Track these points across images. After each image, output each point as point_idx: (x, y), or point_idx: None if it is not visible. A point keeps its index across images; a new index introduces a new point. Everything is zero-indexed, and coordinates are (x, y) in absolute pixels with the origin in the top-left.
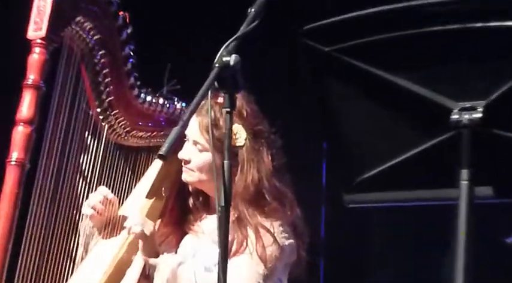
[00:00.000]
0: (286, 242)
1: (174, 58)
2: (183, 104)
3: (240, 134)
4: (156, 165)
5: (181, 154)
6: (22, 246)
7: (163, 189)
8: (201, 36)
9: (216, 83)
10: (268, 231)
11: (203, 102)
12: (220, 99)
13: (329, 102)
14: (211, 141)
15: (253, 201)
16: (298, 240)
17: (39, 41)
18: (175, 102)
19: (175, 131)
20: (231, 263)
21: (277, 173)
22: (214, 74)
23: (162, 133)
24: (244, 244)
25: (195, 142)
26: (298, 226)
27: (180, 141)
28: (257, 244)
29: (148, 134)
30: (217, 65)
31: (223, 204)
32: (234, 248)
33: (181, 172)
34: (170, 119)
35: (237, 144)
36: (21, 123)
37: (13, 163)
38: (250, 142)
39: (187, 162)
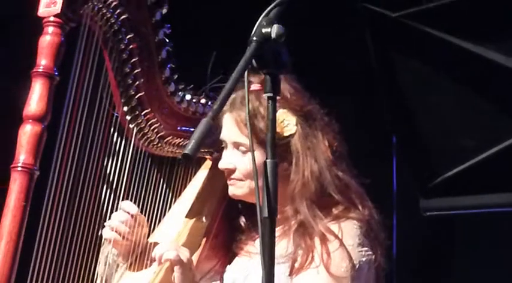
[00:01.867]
0: (364, 258)
1: (221, 46)
2: None
3: (289, 120)
4: (198, 179)
5: (222, 164)
6: (30, 273)
7: (206, 208)
8: (254, 19)
9: (254, 62)
10: (337, 237)
11: (233, 96)
12: (254, 86)
13: (399, 83)
14: (250, 136)
15: (316, 201)
16: (375, 248)
17: (52, 19)
18: None
19: (202, 124)
20: (295, 282)
21: (339, 162)
22: (252, 49)
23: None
24: (310, 257)
25: (236, 145)
26: (375, 228)
27: (211, 137)
28: (326, 257)
29: (187, 141)
30: (255, 39)
31: (266, 216)
32: (298, 263)
33: (227, 186)
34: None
35: (287, 133)
36: (30, 120)
37: (19, 169)
38: (302, 128)
39: (232, 171)
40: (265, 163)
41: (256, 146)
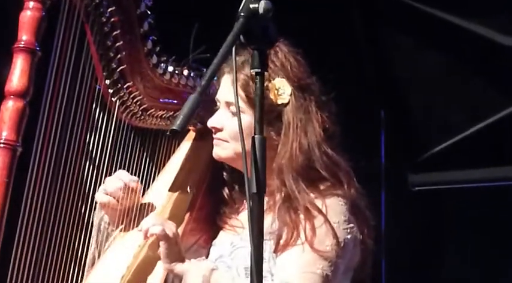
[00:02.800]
0: (349, 235)
1: (203, 17)
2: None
3: (284, 89)
4: (181, 151)
5: (211, 122)
6: (14, 247)
7: (190, 181)
8: None
9: (241, 37)
10: (321, 213)
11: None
12: None
13: (387, 58)
14: (237, 103)
15: (303, 174)
16: (362, 227)
17: None
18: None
19: (191, 99)
20: (280, 260)
21: (330, 140)
22: (240, 25)
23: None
24: (295, 234)
25: (228, 104)
26: (361, 208)
27: (203, 115)
28: (310, 234)
29: (171, 113)
30: (242, 14)
31: (254, 191)
32: (283, 239)
33: (212, 159)
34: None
35: (280, 101)
36: (11, 96)
37: (1, 145)
38: (296, 99)
39: (219, 130)
40: (253, 138)
41: (248, 109)
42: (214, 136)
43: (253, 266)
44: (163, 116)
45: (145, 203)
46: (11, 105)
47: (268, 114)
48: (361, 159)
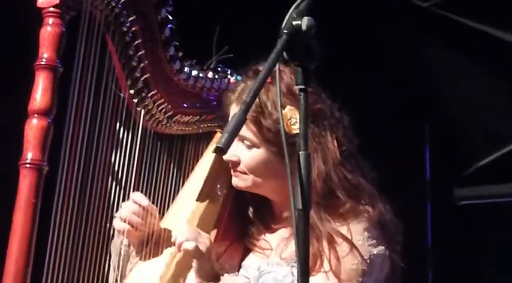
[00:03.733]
0: (375, 251)
1: (225, 19)
2: (239, 78)
3: (296, 118)
4: (208, 158)
5: (227, 156)
6: (45, 268)
7: (218, 188)
8: None
9: (285, 54)
10: (346, 239)
11: (242, 85)
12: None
13: (431, 73)
14: (282, 127)
15: (323, 202)
16: (388, 243)
17: (52, 9)
18: (229, 76)
19: (236, 116)
20: None
21: (348, 161)
22: (283, 42)
23: (213, 116)
24: (319, 262)
25: (241, 138)
26: (386, 225)
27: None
28: (335, 263)
29: (196, 117)
30: (285, 31)
31: (300, 207)
32: None
33: None
34: (222, 96)
35: (293, 132)
36: (35, 115)
37: (28, 166)
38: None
39: (237, 163)
40: (298, 155)
41: (260, 143)
42: (232, 168)
43: (300, 280)
44: (189, 121)
45: (168, 217)
46: (35, 124)
47: (286, 147)
48: (406, 174)
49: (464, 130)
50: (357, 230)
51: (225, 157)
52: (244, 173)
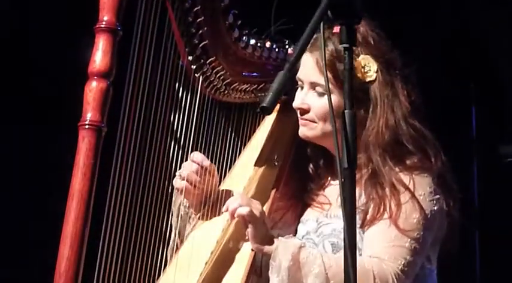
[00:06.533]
0: (436, 206)
1: None
2: None
3: (370, 67)
4: (266, 124)
5: (297, 103)
6: (103, 230)
7: (276, 154)
8: None
9: (329, 12)
10: (408, 189)
11: (315, 36)
12: (336, 29)
13: (476, 32)
14: (326, 80)
15: (390, 150)
16: (448, 199)
17: None
18: (286, 45)
19: (280, 76)
20: (367, 236)
21: (416, 113)
22: (326, 1)
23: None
24: (382, 208)
25: (313, 85)
26: (447, 180)
27: (288, 88)
28: (395, 210)
29: (254, 86)
30: None
31: (346, 166)
32: (369, 215)
33: (297, 131)
34: (280, 66)
35: (367, 79)
36: (95, 77)
37: (87, 127)
38: (382, 76)
39: (306, 111)
40: (343, 113)
41: (335, 88)
42: (300, 117)
43: (347, 239)
44: (247, 90)
45: (226, 184)
46: (95, 86)
47: (355, 92)
48: (452, 132)
49: (510, 88)
50: (420, 183)
51: (295, 104)
52: (313, 121)
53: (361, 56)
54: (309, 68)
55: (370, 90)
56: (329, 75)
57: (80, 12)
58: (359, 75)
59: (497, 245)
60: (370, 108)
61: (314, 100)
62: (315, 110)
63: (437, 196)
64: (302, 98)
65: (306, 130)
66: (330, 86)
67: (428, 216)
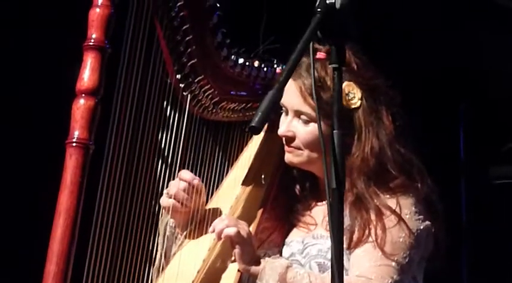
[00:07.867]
0: (421, 226)
1: (272, 8)
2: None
3: (354, 94)
4: (254, 143)
5: (282, 131)
6: (89, 248)
7: (263, 173)
8: None
9: (318, 33)
10: (394, 212)
11: (303, 59)
12: (319, 55)
13: (467, 50)
14: (316, 107)
15: (374, 176)
16: (435, 221)
17: None
18: (275, 65)
19: (270, 96)
20: (353, 256)
21: (400, 137)
22: (316, 21)
23: (259, 104)
24: (367, 231)
25: (298, 113)
26: (433, 202)
27: (276, 109)
28: (380, 234)
29: (242, 105)
30: (319, 10)
31: (334, 186)
32: (355, 236)
33: (284, 151)
34: (268, 85)
35: (352, 107)
36: (83, 95)
37: (74, 145)
38: (367, 103)
39: (291, 139)
40: (332, 134)
41: (317, 117)
42: (286, 144)
43: (334, 260)
44: (235, 109)
45: (213, 203)
46: (82, 104)
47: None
48: (440, 153)
49: (500, 108)
50: (405, 204)
51: (280, 132)
52: (299, 149)
53: (345, 83)
54: (293, 95)
55: (355, 117)
56: (313, 104)
57: (69, 30)
58: (343, 102)
59: (485, 267)
60: (355, 135)
61: (299, 128)
62: (300, 138)
63: (422, 216)
64: (287, 125)
65: (292, 157)
66: (314, 115)
67: (415, 234)
